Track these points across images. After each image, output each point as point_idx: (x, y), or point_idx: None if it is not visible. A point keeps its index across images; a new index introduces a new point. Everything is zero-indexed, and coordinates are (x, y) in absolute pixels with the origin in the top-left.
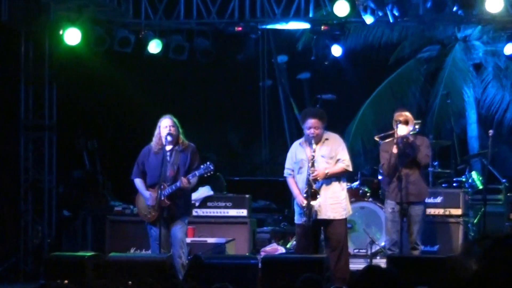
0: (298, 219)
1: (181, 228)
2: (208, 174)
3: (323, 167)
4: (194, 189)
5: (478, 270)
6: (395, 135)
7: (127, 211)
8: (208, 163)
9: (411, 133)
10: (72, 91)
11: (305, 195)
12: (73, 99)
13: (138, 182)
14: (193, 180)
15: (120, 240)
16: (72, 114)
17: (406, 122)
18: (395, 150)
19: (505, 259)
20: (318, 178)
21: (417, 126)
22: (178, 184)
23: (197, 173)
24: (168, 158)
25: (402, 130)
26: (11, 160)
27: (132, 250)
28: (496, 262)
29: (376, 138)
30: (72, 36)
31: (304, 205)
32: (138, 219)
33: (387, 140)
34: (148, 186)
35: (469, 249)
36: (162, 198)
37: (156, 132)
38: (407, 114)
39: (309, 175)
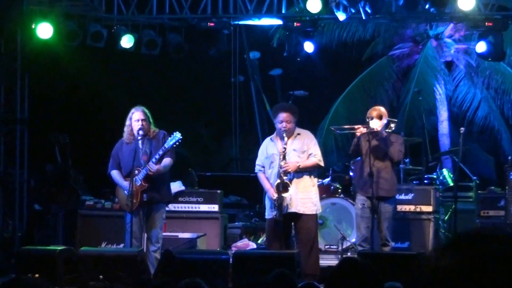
0: (268, 214)
1: (159, 220)
2: (177, 143)
3: (295, 160)
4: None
5: (449, 265)
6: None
7: (98, 205)
8: (174, 133)
9: (385, 130)
10: (44, 85)
11: (276, 187)
12: (45, 93)
13: (115, 174)
14: (166, 161)
15: (91, 234)
16: (44, 108)
17: (379, 117)
18: (358, 133)
19: (476, 254)
20: (290, 170)
21: (392, 125)
22: (146, 168)
23: (165, 145)
24: (140, 146)
25: (374, 124)
26: None
27: (103, 245)
28: (468, 258)
29: (332, 128)
30: (44, 30)
31: (275, 198)
32: (110, 213)
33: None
34: (125, 177)
35: (442, 245)
36: (139, 183)
37: (127, 123)
38: (381, 108)
39: (280, 167)
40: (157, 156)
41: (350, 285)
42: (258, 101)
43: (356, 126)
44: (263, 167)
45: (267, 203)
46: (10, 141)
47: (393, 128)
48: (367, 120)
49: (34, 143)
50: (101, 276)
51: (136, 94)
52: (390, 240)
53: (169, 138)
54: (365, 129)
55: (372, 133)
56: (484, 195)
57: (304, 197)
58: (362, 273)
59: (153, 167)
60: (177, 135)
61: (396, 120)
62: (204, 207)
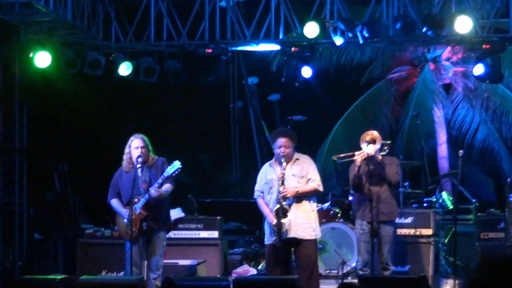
0: (268, 240)
1: (159, 248)
2: (176, 172)
3: (294, 185)
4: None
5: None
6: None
7: (98, 234)
8: (173, 162)
9: (380, 153)
10: (43, 114)
11: (275, 213)
12: (43, 121)
13: (115, 202)
14: (166, 187)
15: (92, 263)
16: (43, 137)
17: (373, 141)
18: (358, 163)
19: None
20: (288, 195)
21: (386, 148)
22: (149, 193)
23: (164, 174)
24: (139, 174)
25: (369, 149)
26: None
27: (103, 273)
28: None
29: (334, 158)
30: (42, 59)
31: (274, 223)
32: (110, 241)
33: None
34: (125, 205)
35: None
36: (138, 211)
37: (127, 151)
38: (374, 133)
39: (279, 193)
40: (156, 185)
41: None
42: (257, 126)
43: (353, 154)
44: (262, 192)
45: (267, 228)
46: (9, 170)
47: (387, 150)
48: (361, 145)
49: (33, 172)
50: None
51: (135, 121)
52: (391, 264)
53: (169, 167)
54: (360, 155)
55: (367, 158)
56: (484, 217)
57: (304, 222)
58: None
59: (155, 192)
60: (177, 164)
61: (389, 142)
62: (204, 234)
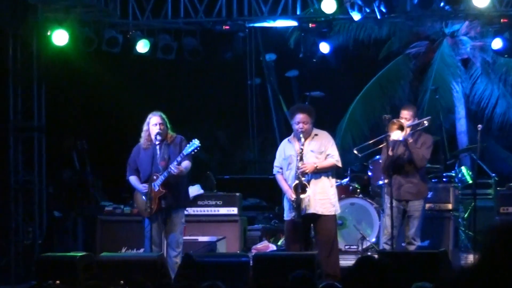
0: (287, 215)
1: (178, 225)
2: (195, 150)
3: (312, 161)
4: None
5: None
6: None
7: (118, 211)
8: (192, 140)
9: (411, 132)
10: (61, 92)
11: (294, 189)
12: (62, 99)
13: (133, 179)
14: (185, 164)
15: (111, 240)
16: (61, 115)
17: (401, 128)
18: (390, 152)
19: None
20: (307, 171)
21: (426, 122)
22: (169, 170)
23: (184, 152)
24: (158, 151)
25: (396, 135)
26: (1, 161)
27: (123, 250)
28: (496, 253)
29: (355, 151)
30: (60, 37)
31: (293, 199)
32: (129, 218)
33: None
34: (143, 183)
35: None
36: (157, 189)
37: (145, 128)
38: (402, 120)
39: (298, 168)
40: (175, 162)
41: (368, 283)
42: (275, 103)
43: (378, 140)
44: (281, 168)
45: (286, 204)
46: (28, 149)
47: (426, 125)
48: (389, 133)
49: (52, 150)
50: (121, 282)
51: (152, 99)
52: (417, 240)
53: (188, 145)
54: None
55: (397, 142)
56: (503, 191)
57: (323, 198)
58: (379, 270)
59: (175, 169)
60: (196, 142)
61: (429, 117)
62: (223, 210)
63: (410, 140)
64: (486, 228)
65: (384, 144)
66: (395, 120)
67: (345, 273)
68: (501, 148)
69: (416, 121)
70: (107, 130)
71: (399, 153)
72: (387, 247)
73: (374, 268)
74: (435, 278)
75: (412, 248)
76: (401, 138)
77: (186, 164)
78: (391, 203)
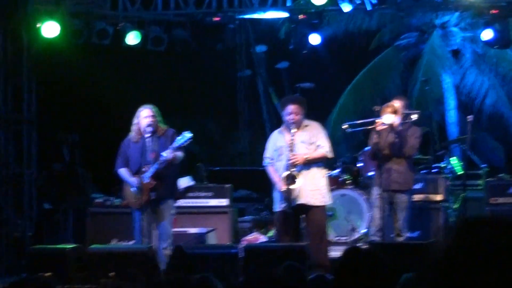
0: (277, 207)
1: (168, 217)
2: (187, 143)
3: (303, 152)
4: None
5: (450, 247)
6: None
7: (108, 203)
8: (183, 133)
9: (401, 122)
10: (51, 84)
11: (284, 180)
12: (52, 92)
13: (123, 171)
14: (177, 154)
15: (101, 232)
16: (52, 107)
17: (394, 112)
18: (375, 140)
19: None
20: (298, 162)
21: (413, 116)
22: (161, 159)
23: (174, 145)
24: (148, 143)
25: (388, 119)
26: None
27: (113, 242)
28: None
29: (345, 127)
30: (50, 29)
31: (283, 190)
32: (119, 210)
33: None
34: (133, 175)
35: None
36: (147, 180)
37: (135, 121)
38: (395, 104)
39: (288, 160)
40: (168, 150)
41: (356, 274)
42: (265, 94)
43: (371, 120)
44: (272, 159)
45: (276, 196)
46: (18, 141)
47: (414, 119)
48: (379, 115)
49: (42, 143)
50: (112, 273)
51: (143, 91)
52: (405, 231)
53: (179, 137)
54: (381, 123)
55: (388, 128)
56: (493, 182)
57: (314, 189)
58: (366, 261)
59: (169, 154)
60: (187, 134)
61: (418, 111)
62: (213, 202)
63: (400, 128)
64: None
65: (374, 130)
66: (389, 103)
67: (335, 265)
68: (491, 139)
69: (407, 111)
70: (98, 122)
71: (389, 141)
72: (376, 238)
73: (362, 259)
74: (418, 268)
75: (401, 239)
76: (391, 123)
77: (178, 153)
78: (381, 193)
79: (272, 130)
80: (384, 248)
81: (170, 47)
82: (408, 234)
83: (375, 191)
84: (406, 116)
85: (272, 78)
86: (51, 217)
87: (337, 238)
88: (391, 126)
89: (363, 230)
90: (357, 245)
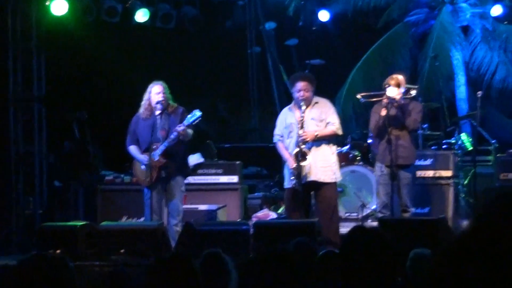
0: (288, 183)
1: (178, 193)
2: (197, 121)
3: (313, 129)
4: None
5: (474, 225)
6: (385, 97)
7: (118, 180)
8: (194, 111)
9: (403, 97)
10: (61, 62)
11: (294, 157)
12: (61, 70)
13: (133, 149)
14: (187, 131)
15: (112, 209)
16: (61, 85)
17: (397, 85)
18: (383, 112)
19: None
20: (308, 139)
21: (412, 92)
22: (172, 136)
23: (185, 122)
24: (158, 121)
25: (392, 92)
26: (1, 132)
27: (124, 219)
28: (492, 217)
29: (359, 96)
30: (59, 6)
31: (293, 167)
32: (129, 187)
33: (378, 102)
34: (143, 152)
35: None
36: (157, 158)
37: (146, 97)
38: (399, 77)
39: (298, 136)
40: (180, 126)
41: (361, 253)
42: (275, 71)
43: (382, 93)
44: (282, 136)
45: (286, 172)
46: (28, 119)
47: (413, 95)
48: (384, 87)
49: (52, 121)
50: (122, 250)
51: (152, 68)
52: (410, 206)
53: (189, 116)
54: (385, 96)
55: (389, 102)
56: (504, 158)
57: (324, 165)
58: (371, 240)
59: (181, 128)
60: (197, 113)
61: (416, 87)
62: (223, 179)
63: (403, 102)
64: (483, 192)
65: (378, 104)
66: (393, 76)
67: (342, 245)
68: (501, 114)
69: (407, 86)
70: (108, 99)
71: (392, 114)
72: (382, 215)
73: (365, 238)
74: (434, 245)
75: (407, 215)
76: (397, 96)
77: (189, 130)
78: (385, 169)
79: (282, 107)
80: (393, 225)
81: (179, 25)
82: (413, 210)
83: (378, 168)
84: (406, 91)
85: (282, 55)
86: (62, 195)
87: (347, 214)
88: (392, 100)
89: (373, 206)
90: (367, 221)
